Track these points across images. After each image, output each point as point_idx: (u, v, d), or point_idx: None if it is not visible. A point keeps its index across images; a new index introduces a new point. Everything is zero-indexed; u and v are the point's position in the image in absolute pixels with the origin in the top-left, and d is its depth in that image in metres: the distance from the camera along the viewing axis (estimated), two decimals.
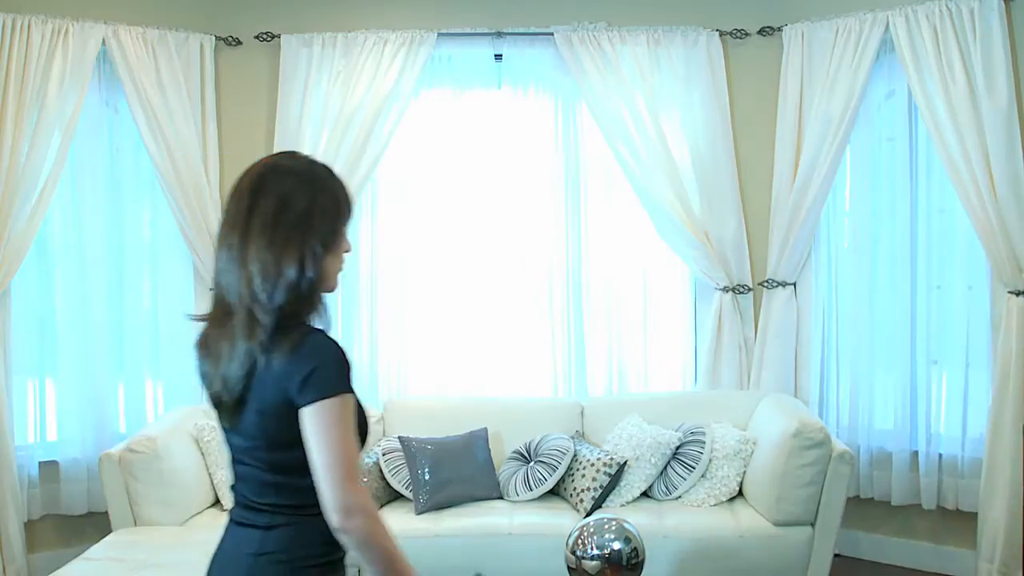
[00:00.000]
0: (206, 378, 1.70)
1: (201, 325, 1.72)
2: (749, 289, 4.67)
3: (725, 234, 4.60)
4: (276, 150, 4.50)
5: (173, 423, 4.07)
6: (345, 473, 1.55)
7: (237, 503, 1.75)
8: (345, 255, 1.72)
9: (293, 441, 1.60)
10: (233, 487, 1.77)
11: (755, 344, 4.64)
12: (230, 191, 1.67)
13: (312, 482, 1.58)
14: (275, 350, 1.58)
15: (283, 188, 1.62)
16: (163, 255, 4.65)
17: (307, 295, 1.62)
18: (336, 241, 1.67)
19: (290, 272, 1.59)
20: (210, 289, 1.69)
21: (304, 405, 1.57)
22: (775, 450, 3.76)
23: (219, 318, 1.65)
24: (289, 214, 1.60)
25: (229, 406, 1.66)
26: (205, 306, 4.78)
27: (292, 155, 1.71)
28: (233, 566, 1.69)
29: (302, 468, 1.59)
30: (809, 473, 3.67)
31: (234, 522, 1.75)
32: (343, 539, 1.57)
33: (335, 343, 1.62)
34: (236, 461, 1.73)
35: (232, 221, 1.62)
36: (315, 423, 1.56)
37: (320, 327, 1.65)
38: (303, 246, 1.60)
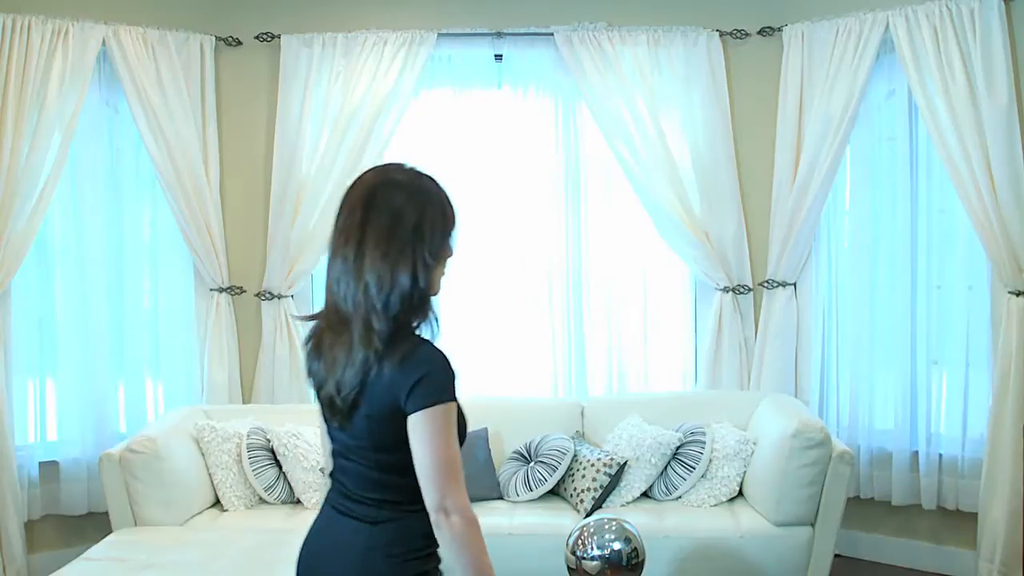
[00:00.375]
0: (316, 377, 1.81)
1: (310, 324, 1.83)
2: (749, 289, 4.67)
3: (725, 234, 4.60)
4: (276, 150, 4.58)
5: (173, 423, 4.07)
6: (448, 476, 1.66)
7: (338, 492, 1.84)
8: (448, 260, 1.80)
9: (400, 444, 1.70)
10: (333, 475, 1.86)
11: (755, 344, 4.64)
12: (342, 202, 1.77)
13: (415, 481, 1.69)
14: (387, 358, 1.68)
15: (395, 202, 1.71)
16: (163, 255, 4.66)
17: (418, 304, 1.72)
18: (443, 250, 1.76)
19: (404, 282, 1.68)
20: (327, 295, 1.77)
21: (412, 412, 1.67)
22: (775, 450, 3.76)
23: (334, 325, 1.74)
24: (401, 227, 1.70)
25: (342, 409, 1.75)
26: (205, 306, 4.84)
27: (400, 168, 1.79)
28: (343, 557, 1.78)
29: (407, 468, 1.70)
30: (809, 473, 3.67)
31: (336, 510, 1.83)
32: (441, 537, 1.68)
33: (442, 354, 1.72)
34: (340, 455, 1.83)
35: (346, 233, 1.72)
36: (421, 429, 1.67)
37: (428, 336, 1.75)
38: (415, 257, 1.69)
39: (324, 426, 1.86)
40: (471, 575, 1.66)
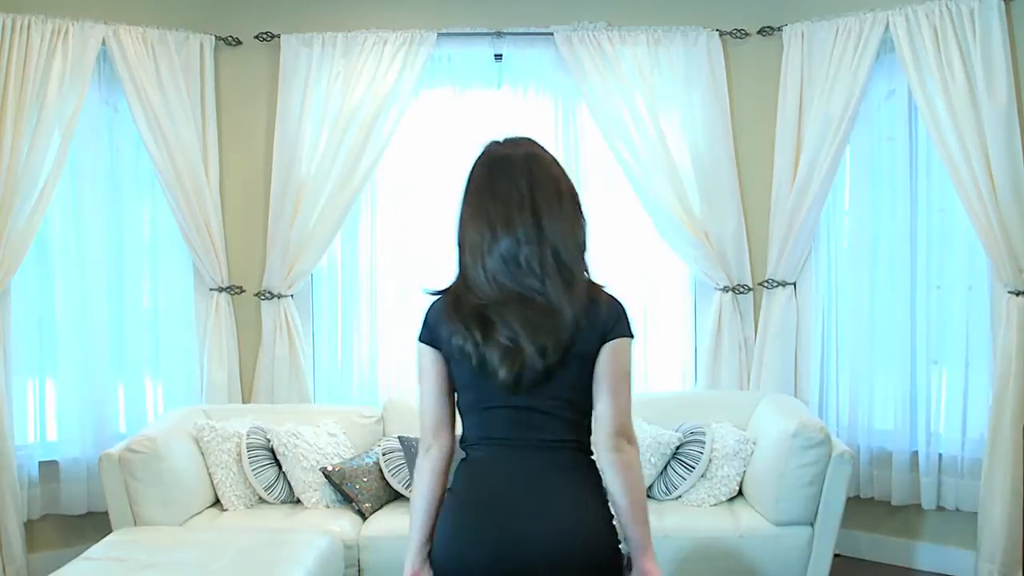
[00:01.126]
0: (478, 353, 1.84)
1: (440, 304, 1.92)
2: (749, 289, 4.67)
3: (725, 234, 4.60)
4: (276, 150, 4.59)
5: (173, 423, 4.07)
6: (631, 405, 1.89)
7: (524, 441, 1.90)
8: None
9: (589, 383, 1.88)
10: (503, 440, 1.91)
11: (755, 344, 4.64)
12: (493, 177, 1.87)
13: (590, 414, 1.90)
14: (592, 306, 1.85)
15: (553, 171, 1.90)
16: (163, 255, 4.66)
17: (585, 257, 1.91)
18: None
19: (581, 239, 1.89)
20: (483, 273, 1.87)
21: (616, 338, 1.86)
22: (775, 450, 3.76)
23: (506, 298, 1.83)
24: (563, 192, 1.89)
25: (540, 372, 1.83)
26: (205, 306, 4.85)
27: (530, 142, 1.95)
28: (560, 472, 1.89)
29: (588, 408, 1.90)
30: (809, 473, 3.67)
31: (532, 448, 1.89)
32: (619, 460, 1.86)
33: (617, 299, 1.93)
34: (515, 421, 1.89)
35: (518, 204, 1.83)
36: (623, 355, 1.87)
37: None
38: (579, 215, 1.91)
39: (475, 392, 1.91)
40: (639, 498, 1.88)
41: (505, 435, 1.90)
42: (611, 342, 1.86)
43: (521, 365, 1.82)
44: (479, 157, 1.93)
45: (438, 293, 1.94)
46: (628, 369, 1.89)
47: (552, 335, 1.81)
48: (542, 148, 1.94)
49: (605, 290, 1.92)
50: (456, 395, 1.96)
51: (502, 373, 1.82)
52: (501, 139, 1.95)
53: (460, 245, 1.90)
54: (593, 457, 1.95)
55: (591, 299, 1.86)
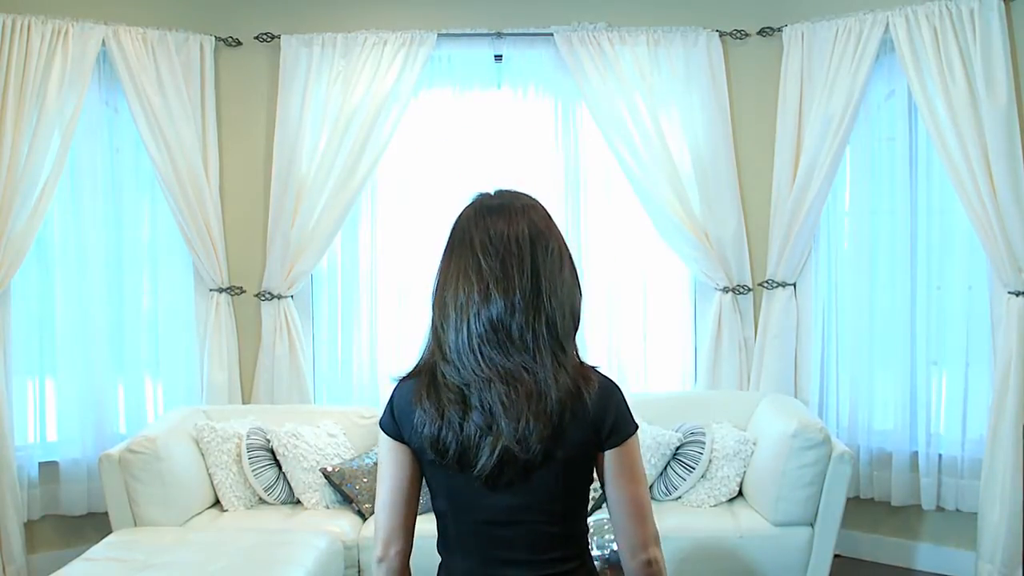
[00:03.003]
0: (455, 442, 1.56)
1: (414, 387, 1.60)
2: (749, 289, 4.67)
3: (725, 234, 4.60)
4: (276, 150, 4.58)
5: (173, 423, 4.07)
6: (651, 511, 1.63)
7: (497, 563, 1.63)
8: None
9: (585, 486, 1.64)
10: (473, 551, 1.65)
11: (755, 344, 4.64)
12: (489, 228, 1.59)
13: (581, 527, 1.64)
14: (582, 392, 1.57)
15: (552, 228, 1.62)
16: (163, 255, 4.66)
17: (577, 333, 1.65)
18: None
19: (576, 310, 1.62)
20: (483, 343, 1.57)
21: (616, 445, 1.60)
22: (775, 450, 3.76)
23: (488, 378, 1.54)
24: (564, 252, 1.62)
25: (518, 466, 1.55)
26: (205, 306, 4.85)
27: (528, 196, 1.69)
28: None
29: (584, 513, 1.65)
30: (809, 473, 3.67)
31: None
32: (644, 570, 1.59)
33: (612, 380, 1.66)
34: (491, 523, 1.62)
35: (518, 261, 1.57)
36: (628, 462, 1.60)
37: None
38: (577, 285, 1.64)
39: (454, 501, 1.63)
40: None
41: (489, 554, 1.63)
42: (614, 449, 1.60)
43: (501, 455, 1.54)
44: (469, 206, 1.66)
45: (408, 377, 1.65)
46: (640, 467, 1.63)
47: (537, 421, 1.53)
48: (539, 202, 1.68)
49: (597, 371, 1.64)
50: (431, 498, 1.69)
51: (480, 462, 1.55)
52: (492, 191, 1.69)
53: (438, 307, 1.61)
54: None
55: (579, 383, 1.58)
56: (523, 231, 1.58)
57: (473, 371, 1.55)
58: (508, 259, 1.57)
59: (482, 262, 1.57)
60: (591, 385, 1.58)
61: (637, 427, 1.64)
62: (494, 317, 1.55)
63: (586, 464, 1.62)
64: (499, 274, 1.56)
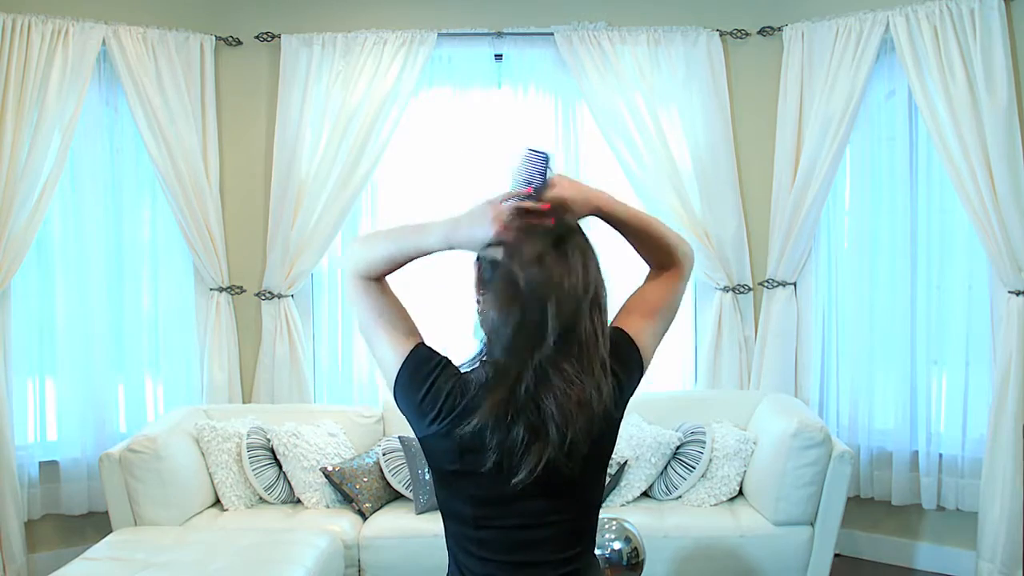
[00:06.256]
0: (513, 453, 1.50)
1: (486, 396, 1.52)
2: (749, 289, 4.67)
3: (725, 234, 4.60)
4: (276, 150, 4.58)
5: (173, 423, 4.07)
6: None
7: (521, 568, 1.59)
8: None
9: (603, 472, 1.66)
10: (505, 563, 1.60)
11: (755, 344, 4.64)
12: (535, 256, 1.62)
13: (597, 517, 1.67)
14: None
15: (580, 241, 1.73)
16: (163, 255, 4.66)
17: None
18: None
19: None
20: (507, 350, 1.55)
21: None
22: (775, 450, 3.76)
23: (552, 372, 1.50)
24: (595, 260, 1.73)
25: (570, 467, 1.51)
26: (205, 306, 4.85)
27: (577, 230, 1.80)
28: None
29: (601, 502, 1.67)
30: (809, 473, 3.68)
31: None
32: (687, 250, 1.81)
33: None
34: (524, 528, 1.57)
35: (570, 272, 1.64)
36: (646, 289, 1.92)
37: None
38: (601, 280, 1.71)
39: (483, 522, 1.58)
40: (652, 224, 1.84)
41: (512, 556, 1.58)
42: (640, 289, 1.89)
43: (546, 466, 1.49)
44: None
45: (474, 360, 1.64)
46: (651, 304, 1.91)
47: (585, 433, 1.50)
48: (575, 226, 1.77)
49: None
50: (442, 501, 1.65)
51: (522, 474, 1.49)
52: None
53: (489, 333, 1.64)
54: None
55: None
56: (582, 282, 1.67)
57: (515, 375, 1.51)
58: (564, 271, 1.67)
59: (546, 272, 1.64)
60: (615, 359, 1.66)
61: (641, 362, 1.80)
62: (559, 318, 1.56)
63: (613, 446, 1.66)
64: (563, 281, 1.65)
